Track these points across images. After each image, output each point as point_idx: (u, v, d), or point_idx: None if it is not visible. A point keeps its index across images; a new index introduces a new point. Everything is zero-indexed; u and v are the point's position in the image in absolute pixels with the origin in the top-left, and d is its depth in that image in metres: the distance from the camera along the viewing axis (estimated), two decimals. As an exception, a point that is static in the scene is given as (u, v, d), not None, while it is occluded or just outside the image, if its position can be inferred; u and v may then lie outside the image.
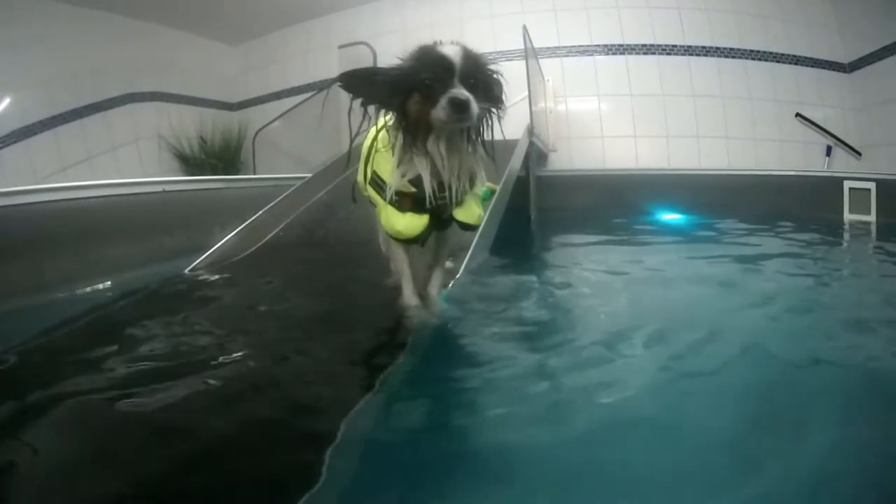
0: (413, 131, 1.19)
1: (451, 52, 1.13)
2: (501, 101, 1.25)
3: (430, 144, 1.19)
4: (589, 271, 2.14)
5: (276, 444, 0.84)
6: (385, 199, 1.29)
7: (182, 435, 0.84)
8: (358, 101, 1.21)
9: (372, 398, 0.98)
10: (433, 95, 1.12)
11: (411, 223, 1.26)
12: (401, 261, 1.37)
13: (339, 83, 1.18)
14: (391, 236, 1.32)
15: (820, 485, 0.75)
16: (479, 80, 1.16)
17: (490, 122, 1.24)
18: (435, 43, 1.17)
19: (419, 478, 0.81)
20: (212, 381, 1.00)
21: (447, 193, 1.24)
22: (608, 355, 1.18)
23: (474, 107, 1.10)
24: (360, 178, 1.50)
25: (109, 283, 2.10)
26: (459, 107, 1.08)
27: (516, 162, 2.70)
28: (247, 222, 2.32)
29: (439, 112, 1.11)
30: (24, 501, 0.67)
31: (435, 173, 1.22)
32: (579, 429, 0.92)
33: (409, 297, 1.37)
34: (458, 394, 1.04)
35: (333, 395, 1.01)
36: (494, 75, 1.23)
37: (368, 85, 1.21)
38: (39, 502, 0.68)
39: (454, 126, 1.15)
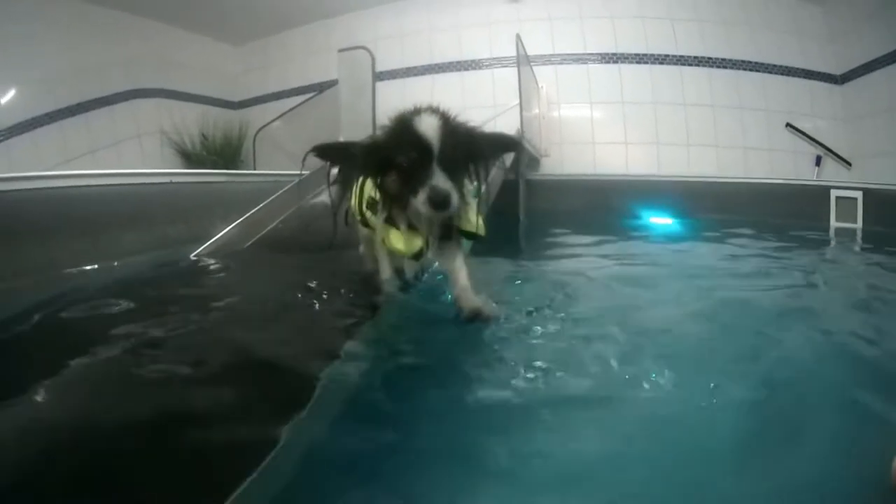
0: (391, 204, 1.21)
1: (429, 128, 1.09)
2: (512, 149, 1.31)
3: (410, 212, 1.21)
4: (572, 267, 2.17)
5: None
6: (381, 219, 1.29)
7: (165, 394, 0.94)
8: (336, 169, 1.23)
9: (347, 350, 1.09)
10: (411, 181, 1.11)
11: (410, 241, 1.26)
12: (383, 259, 1.46)
13: (313, 153, 1.18)
14: (390, 252, 1.36)
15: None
16: (461, 153, 1.14)
17: (486, 177, 1.24)
18: (414, 112, 1.14)
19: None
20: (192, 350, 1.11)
21: (424, 247, 1.27)
22: (590, 349, 1.16)
23: (455, 199, 1.09)
24: (353, 202, 1.49)
25: (116, 263, 2.22)
26: (440, 204, 1.08)
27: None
28: (247, 214, 2.42)
29: (419, 205, 1.10)
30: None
31: (414, 230, 1.26)
32: (559, 417, 0.92)
33: (385, 272, 1.46)
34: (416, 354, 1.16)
35: (313, 348, 1.14)
36: (486, 138, 1.23)
37: (342, 156, 1.23)
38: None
39: (435, 217, 1.17)
